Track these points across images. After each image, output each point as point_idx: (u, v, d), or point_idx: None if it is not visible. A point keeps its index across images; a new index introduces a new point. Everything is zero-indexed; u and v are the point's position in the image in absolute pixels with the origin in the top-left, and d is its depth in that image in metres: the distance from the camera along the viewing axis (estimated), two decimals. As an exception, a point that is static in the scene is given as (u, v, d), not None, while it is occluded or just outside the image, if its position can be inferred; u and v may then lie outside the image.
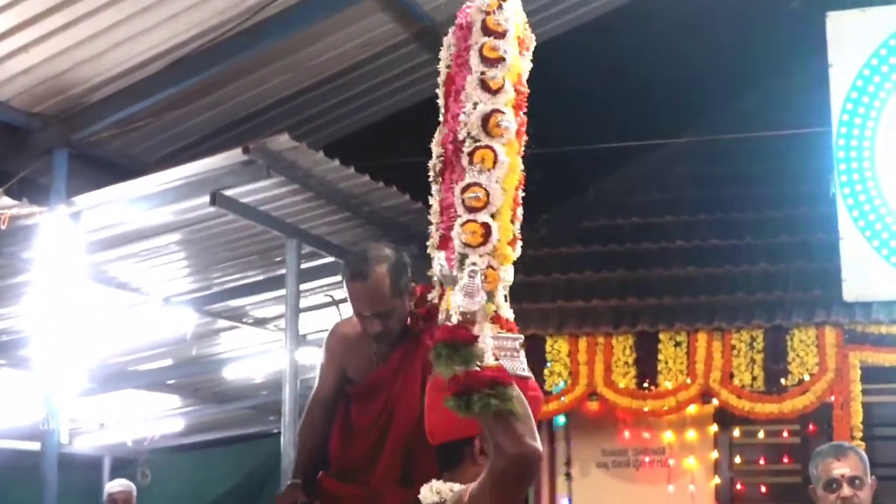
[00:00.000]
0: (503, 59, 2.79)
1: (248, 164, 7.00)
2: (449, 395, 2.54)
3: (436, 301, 3.01)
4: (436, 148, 2.93)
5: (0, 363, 9.23)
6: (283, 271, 8.02)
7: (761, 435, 9.23)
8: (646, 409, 8.90)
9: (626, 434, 9.39)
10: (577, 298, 9.36)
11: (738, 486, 9.28)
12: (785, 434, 9.19)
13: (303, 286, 8.07)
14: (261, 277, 9.00)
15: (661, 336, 8.91)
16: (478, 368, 2.53)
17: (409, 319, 4.00)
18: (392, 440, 3.95)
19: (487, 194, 2.70)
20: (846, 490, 3.98)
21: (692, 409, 9.10)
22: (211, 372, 10.87)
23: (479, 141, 2.74)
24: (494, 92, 2.77)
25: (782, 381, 8.64)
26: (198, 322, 9.51)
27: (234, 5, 6.93)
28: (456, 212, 2.72)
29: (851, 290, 8.64)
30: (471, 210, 2.69)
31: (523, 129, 2.89)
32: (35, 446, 7.74)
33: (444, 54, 3.02)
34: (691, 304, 9.07)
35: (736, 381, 8.72)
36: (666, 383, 8.84)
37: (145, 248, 7.99)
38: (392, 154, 9.09)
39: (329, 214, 8.12)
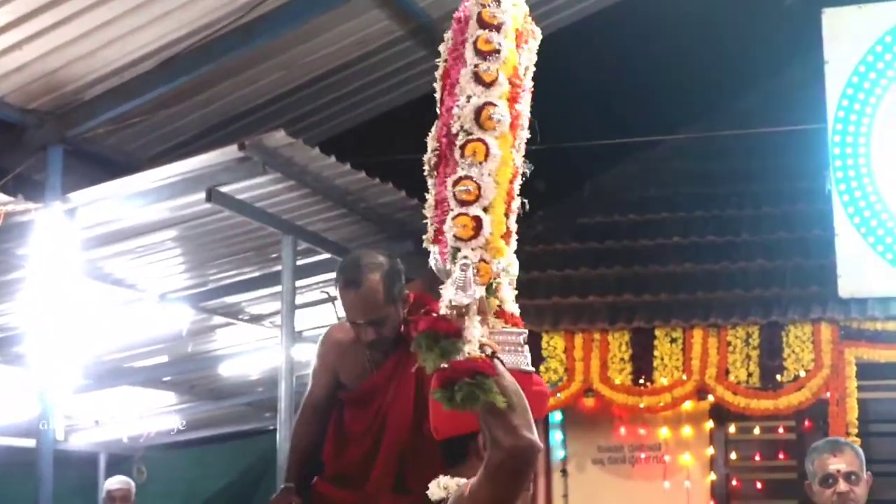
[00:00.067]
0: (497, 52, 2.78)
1: (243, 161, 6.99)
2: (434, 387, 2.55)
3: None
4: (431, 142, 2.92)
5: (-5, 360, 9.22)
6: (278, 268, 8.02)
7: (757, 431, 9.24)
8: (642, 406, 8.90)
9: (622, 430, 9.40)
10: (573, 295, 9.36)
11: (734, 483, 9.28)
12: (780, 430, 9.20)
13: (298, 283, 8.07)
14: (256, 274, 9.00)
15: (657, 332, 8.91)
16: (461, 360, 2.52)
17: (402, 327, 3.96)
18: (386, 447, 3.93)
19: (479, 187, 2.69)
20: (842, 485, 3.98)
21: (688, 406, 9.11)
22: (207, 368, 10.87)
23: (471, 134, 2.73)
24: (488, 85, 2.76)
25: (778, 377, 8.65)
26: (193, 319, 9.51)
27: (229, 2, 6.92)
28: (449, 205, 2.71)
29: (847, 286, 8.65)
30: (462, 203, 2.68)
31: (518, 122, 2.88)
32: (30, 443, 7.73)
33: (444, 48, 3.01)
34: (687, 301, 9.07)
35: (731, 378, 8.73)
36: (662, 380, 8.84)
37: (141, 245, 7.99)
38: (388, 151, 9.08)
39: (325, 211, 8.11)
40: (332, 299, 4.34)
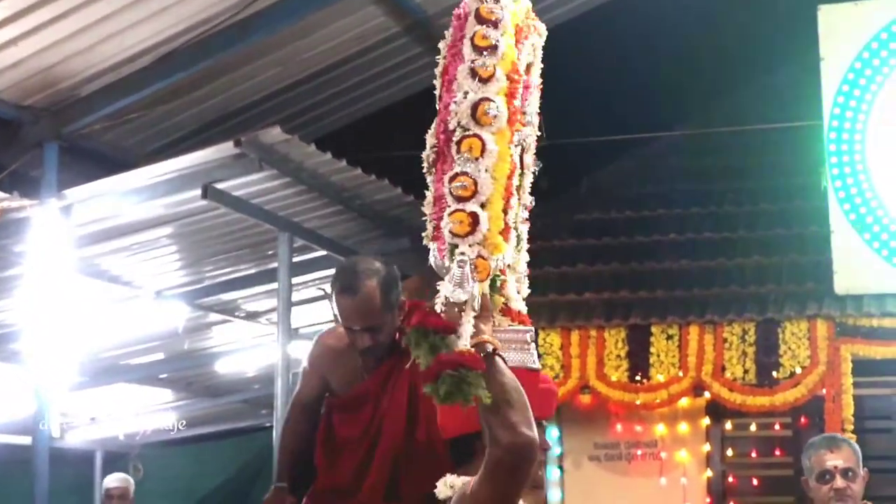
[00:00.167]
0: (494, 48, 2.78)
1: (239, 157, 6.98)
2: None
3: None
4: (430, 139, 2.91)
5: (-9, 357, 9.20)
6: (275, 265, 8.01)
7: (753, 428, 9.25)
8: (638, 403, 8.91)
9: (619, 427, 9.40)
10: (569, 292, 9.37)
11: (730, 479, 9.29)
12: (776, 427, 9.21)
13: (295, 280, 8.06)
14: (253, 271, 8.99)
15: (654, 329, 8.92)
16: (446, 353, 2.52)
17: (397, 334, 3.94)
18: (380, 454, 3.90)
19: (475, 183, 2.68)
20: (839, 482, 3.98)
21: (684, 402, 9.11)
22: (203, 366, 10.86)
23: (467, 130, 2.72)
24: (485, 80, 2.75)
25: (774, 373, 8.66)
26: (189, 316, 9.50)
27: (225, -2, 6.92)
28: (446, 202, 2.71)
29: (842, 282, 8.66)
30: (458, 199, 2.67)
31: (516, 117, 2.87)
32: (26, 440, 7.72)
33: (443, 45, 3.01)
34: (684, 297, 9.08)
35: (728, 374, 8.73)
36: (658, 376, 8.85)
37: (137, 242, 7.97)
38: (384, 147, 9.08)
39: (321, 208, 8.10)
40: (328, 296, 4.30)
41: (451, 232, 2.66)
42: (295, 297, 8.17)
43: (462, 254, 2.63)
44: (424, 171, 2.93)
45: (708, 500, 9.22)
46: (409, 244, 8.49)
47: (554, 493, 9.35)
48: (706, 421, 9.29)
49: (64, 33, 6.61)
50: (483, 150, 2.70)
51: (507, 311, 2.79)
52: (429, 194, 2.88)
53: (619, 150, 10.48)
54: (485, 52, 2.77)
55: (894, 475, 8.43)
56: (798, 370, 8.59)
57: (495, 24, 2.81)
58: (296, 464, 4.20)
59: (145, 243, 8.03)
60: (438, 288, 2.63)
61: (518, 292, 2.99)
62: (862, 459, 4.10)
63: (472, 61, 2.77)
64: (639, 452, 9.39)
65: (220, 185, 7.21)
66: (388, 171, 7.99)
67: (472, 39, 2.79)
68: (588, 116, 10.30)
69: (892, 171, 8.81)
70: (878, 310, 8.54)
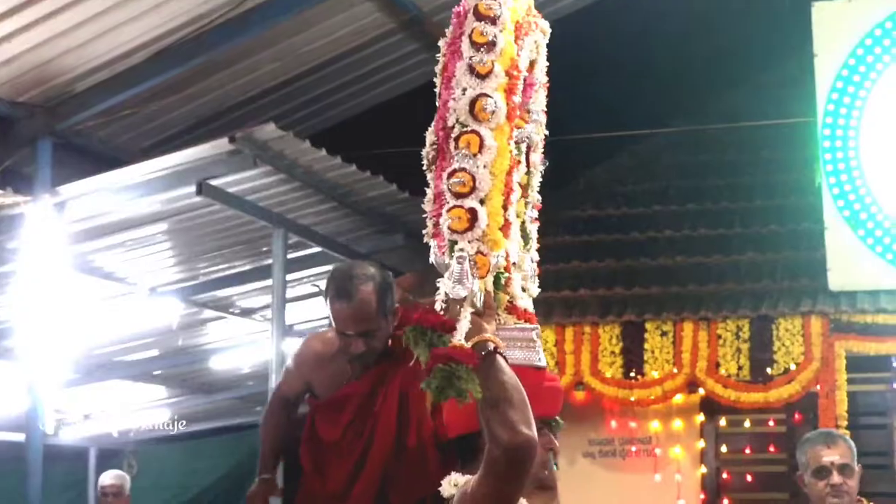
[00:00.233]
0: (493, 44, 2.77)
1: (234, 154, 6.98)
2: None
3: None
4: (430, 136, 2.91)
5: (-15, 354, 9.19)
6: (269, 261, 8.01)
7: (747, 424, 9.26)
8: (632, 399, 8.91)
9: (613, 424, 9.40)
10: (564, 288, 9.36)
11: (725, 475, 9.31)
12: (771, 423, 9.22)
13: (289, 276, 8.06)
14: (247, 267, 8.98)
15: (648, 325, 8.92)
16: (439, 348, 2.52)
17: (390, 341, 3.92)
18: (372, 461, 3.88)
19: (473, 179, 2.67)
20: (836, 477, 3.97)
21: (678, 399, 9.11)
22: (197, 362, 10.85)
23: (466, 126, 2.72)
24: (483, 76, 2.75)
25: (768, 370, 8.66)
26: (184, 312, 9.49)
27: (220, -6, 6.91)
28: (445, 199, 2.70)
29: (837, 279, 8.66)
30: (457, 196, 2.67)
31: (516, 113, 2.86)
32: (20, 437, 7.71)
33: (443, 43, 3.01)
34: (678, 294, 9.08)
35: (722, 371, 8.74)
36: (652, 373, 8.85)
37: (131, 238, 7.97)
38: (378, 144, 9.07)
39: (316, 204, 8.10)
40: (322, 293, 4.29)
41: (449, 228, 2.65)
42: (289, 293, 8.17)
43: (461, 250, 2.63)
44: (424, 168, 2.93)
45: (702, 496, 9.23)
46: (404, 241, 8.49)
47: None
48: (700, 417, 9.30)
49: (58, 29, 6.61)
50: (481, 147, 2.70)
51: (512, 308, 2.78)
52: (429, 191, 2.87)
53: (614, 146, 10.48)
54: (482, 49, 2.77)
55: (888, 471, 8.46)
56: (792, 366, 8.60)
57: (493, 21, 2.80)
58: (279, 454, 4.22)
59: (140, 240, 8.03)
60: (438, 285, 2.63)
61: (524, 290, 2.99)
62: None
63: (471, 58, 2.77)
64: (633, 449, 9.40)
65: (214, 182, 7.21)
66: (383, 168, 7.98)
67: (470, 36, 2.79)
68: (584, 113, 10.30)
69: (886, 167, 8.82)
70: (872, 306, 8.55)
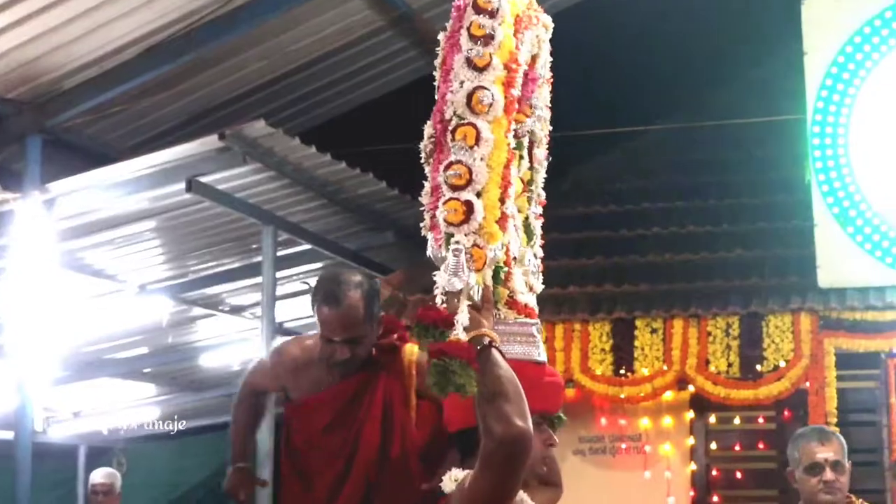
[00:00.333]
0: (491, 37, 2.77)
1: (223, 151, 6.97)
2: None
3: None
4: (427, 129, 2.90)
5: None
6: (259, 259, 8.00)
7: (737, 421, 9.28)
8: (622, 396, 8.92)
9: (603, 421, 9.41)
10: (553, 285, 9.34)
11: (714, 472, 9.32)
12: (760, 420, 9.24)
13: (279, 274, 8.05)
14: (237, 265, 8.97)
15: (638, 323, 8.93)
16: (436, 342, 2.52)
17: (374, 350, 3.92)
18: (356, 469, 3.86)
19: (470, 172, 2.67)
20: (829, 474, 3.97)
21: (668, 396, 9.13)
22: (187, 360, 10.83)
23: (463, 119, 2.72)
24: (480, 69, 2.75)
25: (758, 367, 8.67)
26: (173, 310, 9.47)
27: (210, -9, 6.90)
28: (442, 191, 2.70)
29: (826, 276, 8.68)
30: (453, 188, 2.67)
31: (514, 106, 2.85)
32: (9, 435, 7.68)
33: (442, 37, 3.00)
34: (668, 291, 9.09)
35: (712, 368, 8.75)
36: (642, 370, 8.86)
37: (120, 236, 7.95)
38: (368, 141, 9.06)
39: (305, 201, 8.10)
40: (311, 292, 4.27)
41: (445, 220, 2.65)
42: (279, 291, 8.16)
43: (457, 242, 2.62)
44: (422, 161, 2.92)
45: (692, 493, 9.25)
46: (393, 238, 8.48)
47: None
48: (690, 414, 9.32)
49: (48, 26, 6.59)
50: (478, 139, 2.69)
51: (513, 303, 2.78)
52: (426, 184, 2.87)
53: (603, 143, 10.48)
54: (480, 42, 2.77)
55: (877, 468, 8.48)
56: (782, 363, 8.61)
57: (492, 14, 2.80)
58: (250, 443, 4.29)
59: (129, 237, 8.01)
60: (434, 278, 2.62)
61: (526, 285, 2.98)
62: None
63: (469, 51, 2.77)
64: (623, 446, 9.41)
65: (204, 179, 7.20)
66: (373, 166, 7.98)
67: (468, 29, 2.79)
68: (573, 110, 10.29)
69: (875, 164, 8.84)
70: (861, 303, 8.57)
